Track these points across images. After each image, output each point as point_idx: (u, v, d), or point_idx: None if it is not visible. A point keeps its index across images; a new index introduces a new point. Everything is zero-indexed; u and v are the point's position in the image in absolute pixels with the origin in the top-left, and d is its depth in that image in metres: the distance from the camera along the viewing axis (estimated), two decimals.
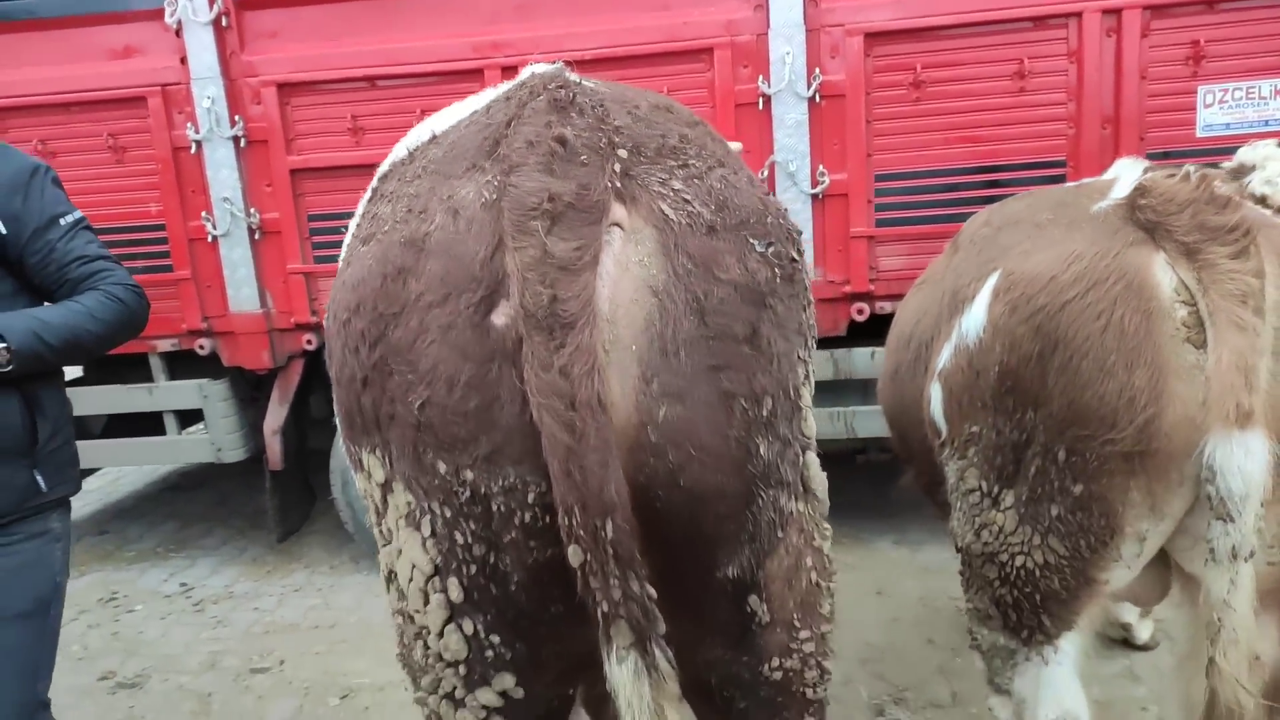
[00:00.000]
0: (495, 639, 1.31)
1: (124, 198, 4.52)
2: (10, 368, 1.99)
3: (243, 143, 4.39)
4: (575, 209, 1.17)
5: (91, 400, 4.86)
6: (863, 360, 4.22)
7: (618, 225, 1.22)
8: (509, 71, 4.15)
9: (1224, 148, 3.78)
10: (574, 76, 1.42)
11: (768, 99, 4.03)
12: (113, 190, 4.52)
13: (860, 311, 4.18)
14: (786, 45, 3.96)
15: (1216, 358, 1.55)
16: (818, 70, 3.99)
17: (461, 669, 1.34)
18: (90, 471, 6.54)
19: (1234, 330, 1.54)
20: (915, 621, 3.79)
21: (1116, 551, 1.75)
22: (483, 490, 1.21)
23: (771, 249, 1.28)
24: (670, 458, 1.19)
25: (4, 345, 1.98)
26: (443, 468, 1.24)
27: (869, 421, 4.27)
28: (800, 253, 1.35)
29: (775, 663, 1.38)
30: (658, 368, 1.18)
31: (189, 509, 6.14)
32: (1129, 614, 3.40)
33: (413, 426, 1.25)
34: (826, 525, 1.45)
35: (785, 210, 1.38)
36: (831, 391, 4.37)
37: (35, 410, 2.14)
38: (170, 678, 3.89)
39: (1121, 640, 3.48)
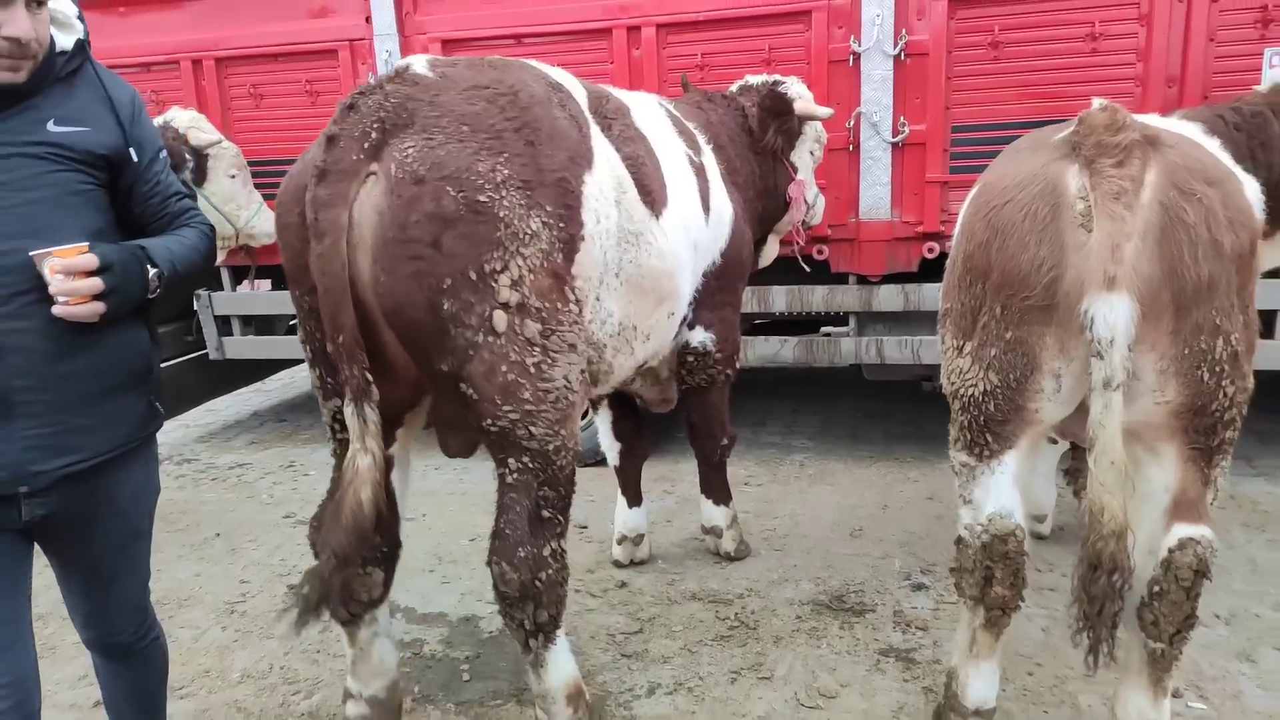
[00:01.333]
0: (328, 381, 2.42)
1: (315, 135, 5.48)
2: (155, 295, 2.00)
3: None
4: (332, 172, 2.12)
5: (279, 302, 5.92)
6: (931, 294, 4.72)
7: (373, 174, 2.14)
8: (634, 32, 4.85)
9: None
10: (417, 67, 2.35)
11: (858, 56, 4.57)
12: (307, 129, 5.50)
13: (930, 250, 4.69)
14: (878, 8, 4.48)
15: (1094, 238, 2.08)
16: (904, 31, 4.49)
17: (319, 393, 2.50)
18: (279, 367, 7.76)
19: (1107, 219, 2.06)
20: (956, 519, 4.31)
21: (1038, 384, 2.29)
22: (308, 307, 2.32)
23: (462, 194, 2.13)
24: (390, 302, 2.18)
25: (157, 271, 1.98)
26: (295, 293, 2.40)
27: (936, 350, 4.77)
28: (491, 198, 2.16)
29: (490, 422, 2.28)
30: (379, 256, 2.15)
31: None
32: None
33: (288, 271, 2.38)
34: (538, 348, 2.29)
35: (494, 173, 2.19)
36: (902, 322, 4.90)
37: (154, 338, 2.17)
38: None
39: None
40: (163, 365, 2.52)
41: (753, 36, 4.71)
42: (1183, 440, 2.26)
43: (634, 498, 4.03)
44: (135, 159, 2.04)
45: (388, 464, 2.51)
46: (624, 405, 3.94)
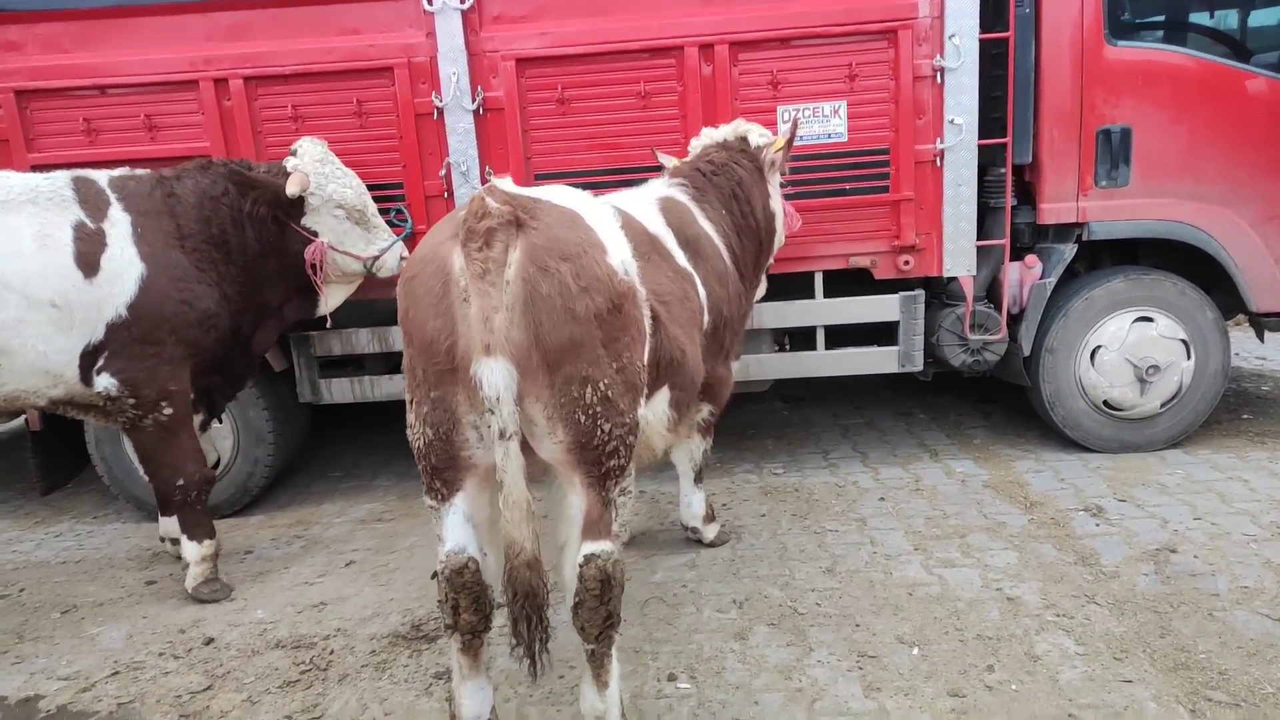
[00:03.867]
0: None
1: None
2: None
3: None
4: None
5: None
6: None
7: None
8: (221, 84, 4.87)
9: (798, 156, 4.79)
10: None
11: (441, 111, 4.85)
12: None
13: None
14: (453, 67, 4.79)
15: (470, 311, 2.43)
16: (480, 88, 4.83)
17: None
18: None
19: (477, 295, 2.41)
20: None
21: (462, 434, 2.61)
22: None
23: None
24: None
25: None
26: None
27: None
28: None
29: None
30: None
31: None
32: (694, 520, 4.37)
33: None
34: None
35: None
36: None
37: None
38: None
39: (696, 540, 4.45)
40: None
41: (342, 89, 4.87)
42: (581, 471, 2.65)
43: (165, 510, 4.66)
44: None
45: None
46: None
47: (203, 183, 4.32)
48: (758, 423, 6.57)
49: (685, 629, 3.70)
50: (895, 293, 5.14)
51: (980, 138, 4.87)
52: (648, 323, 2.85)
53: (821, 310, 5.17)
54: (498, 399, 2.42)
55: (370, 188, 4.77)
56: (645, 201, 3.72)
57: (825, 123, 4.84)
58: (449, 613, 2.79)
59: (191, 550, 4.37)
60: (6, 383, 3.97)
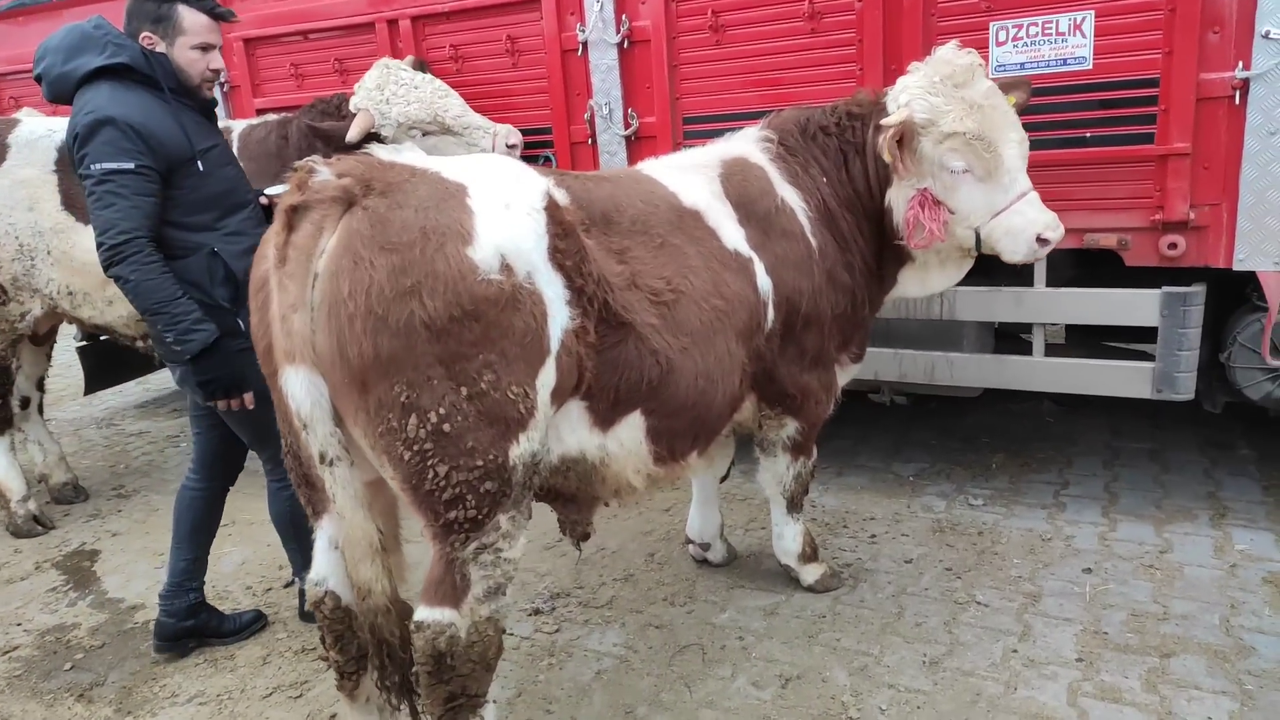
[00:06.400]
0: None
1: None
2: None
3: None
4: None
5: None
6: None
7: None
8: (392, 25, 4.80)
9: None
10: None
11: (585, 46, 4.31)
12: None
13: None
14: None
15: (272, 309, 1.95)
16: (625, 17, 4.18)
17: None
18: None
19: (276, 289, 1.92)
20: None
21: (306, 452, 2.16)
22: None
23: None
24: None
25: None
26: None
27: None
28: None
29: None
30: None
31: None
32: (787, 557, 3.52)
33: None
34: None
35: None
36: None
37: None
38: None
39: (796, 580, 3.59)
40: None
41: (494, 26, 4.53)
42: (421, 518, 2.11)
43: None
44: None
45: None
46: None
47: (302, 123, 4.40)
48: (1002, 430, 5.23)
49: (699, 699, 2.98)
50: (1157, 286, 3.63)
51: None
52: (559, 332, 2.15)
53: (1042, 303, 3.83)
54: (305, 417, 1.96)
55: (523, 133, 4.43)
56: (703, 164, 2.93)
57: (1059, 44, 3.45)
58: (321, 644, 2.46)
59: None
60: None
